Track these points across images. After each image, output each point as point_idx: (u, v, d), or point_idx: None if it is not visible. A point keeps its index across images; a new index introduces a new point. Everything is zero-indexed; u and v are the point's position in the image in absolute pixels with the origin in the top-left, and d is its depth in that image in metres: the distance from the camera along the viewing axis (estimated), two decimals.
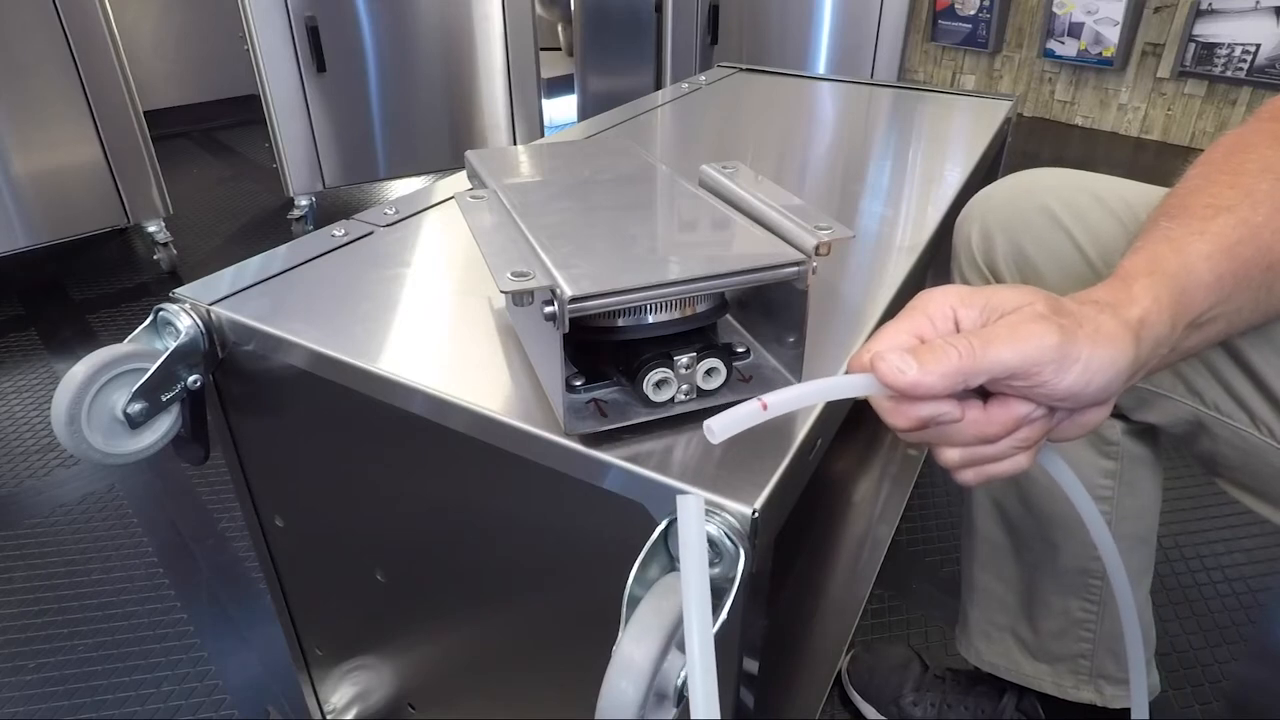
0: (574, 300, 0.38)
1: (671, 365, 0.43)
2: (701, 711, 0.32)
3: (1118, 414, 0.64)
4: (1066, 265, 0.60)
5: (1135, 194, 0.60)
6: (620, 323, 0.43)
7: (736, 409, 0.35)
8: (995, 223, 0.65)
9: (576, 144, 0.65)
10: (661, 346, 0.43)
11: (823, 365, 0.51)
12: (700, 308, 0.45)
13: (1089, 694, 0.78)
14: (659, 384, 0.43)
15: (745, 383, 0.47)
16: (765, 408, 0.35)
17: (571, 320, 0.39)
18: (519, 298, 0.39)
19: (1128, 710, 0.79)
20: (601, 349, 0.44)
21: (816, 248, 0.42)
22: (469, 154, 0.59)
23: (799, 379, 0.46)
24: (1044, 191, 0.63)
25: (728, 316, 0.51)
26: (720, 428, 0.34)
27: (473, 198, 0.50)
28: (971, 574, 0.82)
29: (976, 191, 0.69)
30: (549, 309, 0.38)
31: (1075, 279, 0.59)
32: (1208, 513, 1.20)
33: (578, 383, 0.45)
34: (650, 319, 0.43)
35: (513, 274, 0.39)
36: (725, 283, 0.42)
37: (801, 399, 0.36)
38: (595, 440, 0.43)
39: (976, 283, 0.66)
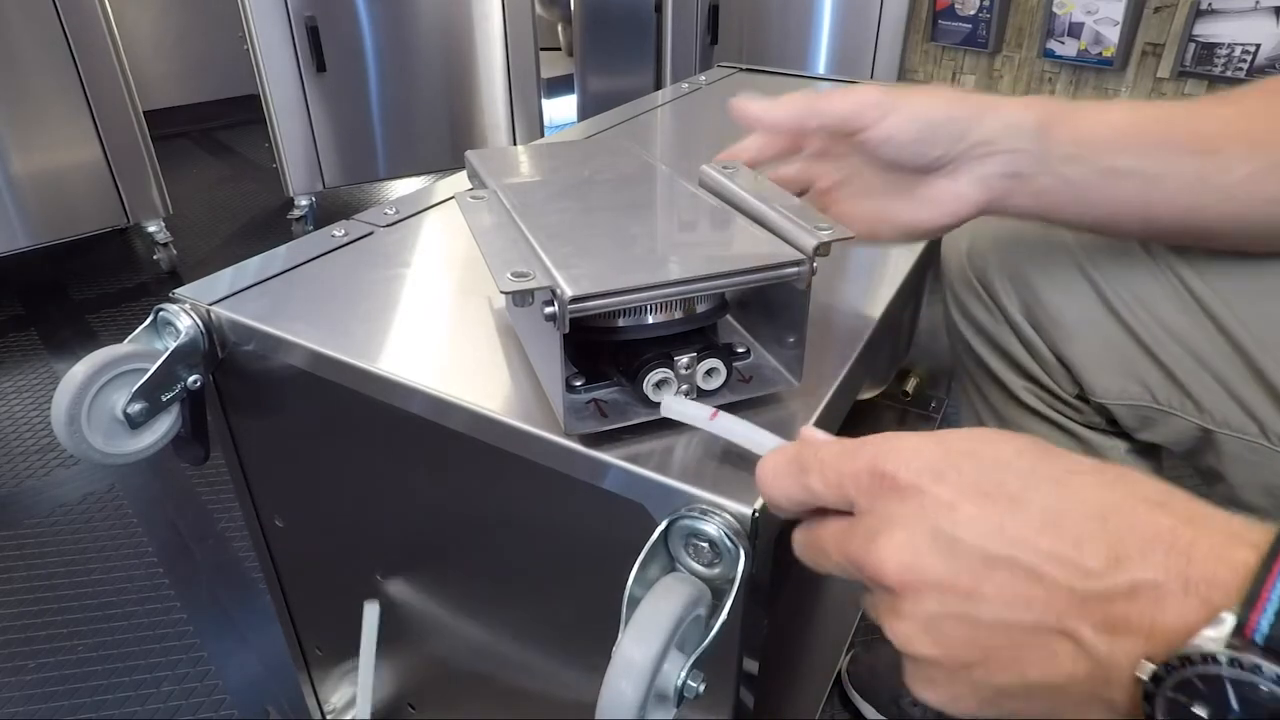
0: (574, 300, 0.38)
1: (672, 365, 0.43)
2: None
3: (1121, 434, 0.63)
4: (1067, 286, 0.57)
5: None
6: (620, 323, 0.43)
7: (693, 404, 0.41)
8: (990, 235, 0.62)
9: (576, 144, 0.65)
10: (662, 347, 0.43)
11: (824, 365, 0.51)
12: (700, 308, 0.45)
13: None
14: (659, 384, 0.43)
15: (745, 383, 0.47)
16: (713, 418, 0.39)
17: (571, 320, 0.39)
18: (519, 298, 0.39)
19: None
20: (601, 349, 0.44)
21: (817, 248, 0.42)
22: (469, 154, 0.59)
23: (799, 379, 0.46)
24: None
25: (728, 317, 0.51)
26: (671, 403, 0.41)
27: (473, 198, 0.50)
28: None
29: None
30: (549, 309, 0.38)
31: (1076, 298, 0.57)
32: None
33: (577, 383, 0.45)
34: (650, 319, 0.43)
35: (512, 274, 0.39)
36: (726, 283, 0.42)
37: (743, 436, 0.39)
38: (595, 440, 0.43)
39: (972, 301, 0.64)
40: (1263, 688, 0.22)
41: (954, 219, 0.47)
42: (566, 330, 0.39)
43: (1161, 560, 0.24)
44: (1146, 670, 0.23)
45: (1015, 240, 0.60)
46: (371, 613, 0.68)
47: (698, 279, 0.41)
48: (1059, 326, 0.58)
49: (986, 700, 0.27)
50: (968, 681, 0.26)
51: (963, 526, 0.26)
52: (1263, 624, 0.22)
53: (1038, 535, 0.25)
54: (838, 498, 0.30)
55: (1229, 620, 0.22)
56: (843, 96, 0.44)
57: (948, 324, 0.69)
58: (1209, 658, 0.22)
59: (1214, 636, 0.22)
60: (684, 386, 0.44)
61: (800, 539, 0.34)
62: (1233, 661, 0.22)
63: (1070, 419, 0.63)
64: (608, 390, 0.46)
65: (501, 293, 0.38)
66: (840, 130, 0.44)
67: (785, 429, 0.45)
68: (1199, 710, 0.22)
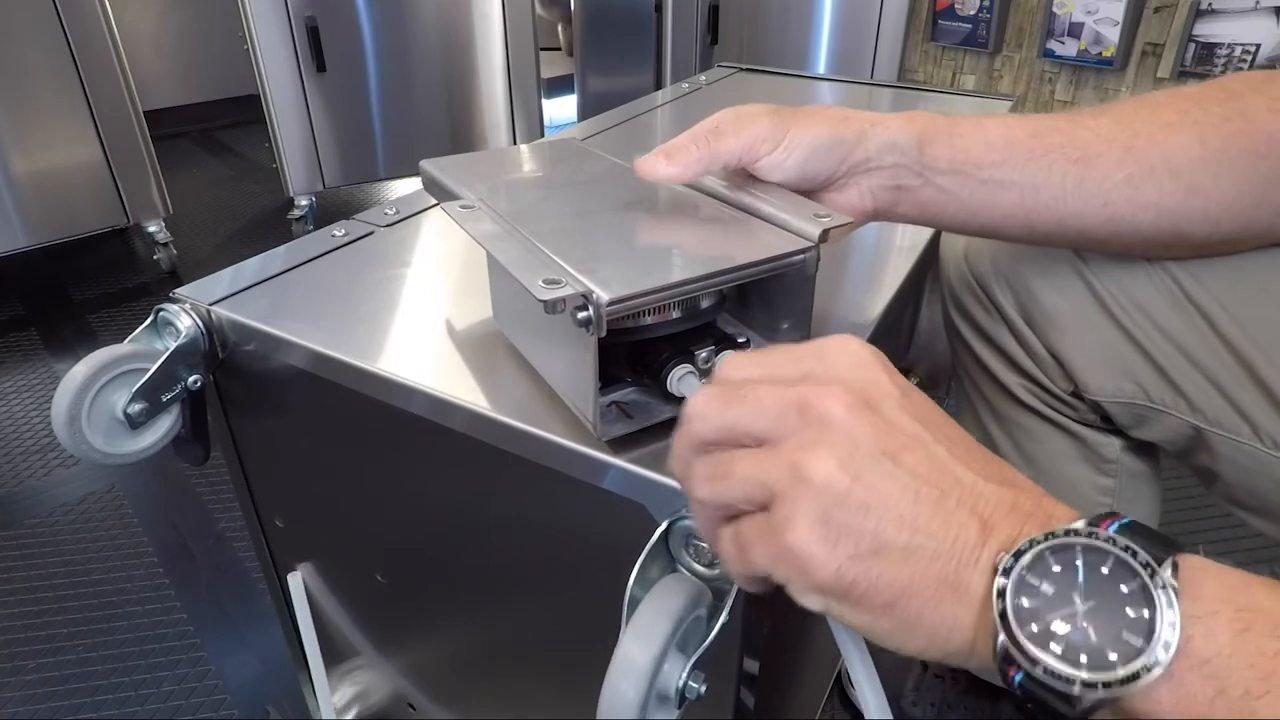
0: (611, 303, 0.37)
1: (693, 360, 0.43)
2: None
3: (1116, 431, 0.63)
4: (1062, 284, 0.58)
5: None
6: (639, 323, 0.43)
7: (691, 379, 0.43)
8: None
9: (533, 147, 0.63)
10: (677, 344, 0.43)
11: None
12: (706, 303, 0.45)
13: None
14: (683, 380, 0.43)
15: None
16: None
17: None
18: (552, 305, 0.38)
19: None
20: (613, 352, 0.44)
21: (822, 234, 0.43)
22: (424, 164, 0.57)
23: None
24: None
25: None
26: (682, 377, 0.43)
27: (463, 208, 0.49)
28: None
29: None
30: (583, 314, 0.38)
31: (1071, 296, 0.57)
32: (1208, 511, 1.20)
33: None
34: (666, 317, 0.43)
35: (544, 281, 0.38)
36: (744, 274, 0.42)
37: None
38: (595, 441, 0.43)
39: (968, 298, 0.65)
40: (1110, 559, 0.26)
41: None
42: (603, 334, 0.39)
43: (1038, 500, 0.29)
44: (1008, 553, 0.26)
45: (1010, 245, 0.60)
46: (296, 582, 0.69)
47: (721, 273, 0.41)
48: (1054, 324, 0.58)
49: (863, 552, 0.28)
50: (858, 526, 0.28)
51: (900, 396, 0.31)
52: (1113, 528, 0.26)
53: (959, 440, 0.30)
54: (794, 359, 0.32)
55: (1083, 521, 0.27)
56: (736, 135, 0.46)
57: (945, 322, 0.70)
58: (1070, 531, 0.26)
59: (1073, 524, 0.27)
60: (704, 381, 0.44)
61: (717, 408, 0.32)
62: (1090, 534, 0.26)
63: (1065, 416, 0.63)
64: (624, 391, 0.46)
65: (538, 301, 0.37)
66: (736, 165, 0.47)
67: None
68: (1046, 587, 0.26)
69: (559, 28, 3.34)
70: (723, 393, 0.32)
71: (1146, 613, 0.24)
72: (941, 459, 0.29)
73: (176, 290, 0.58)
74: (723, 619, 0.38)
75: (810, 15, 2.16)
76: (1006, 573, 0.26)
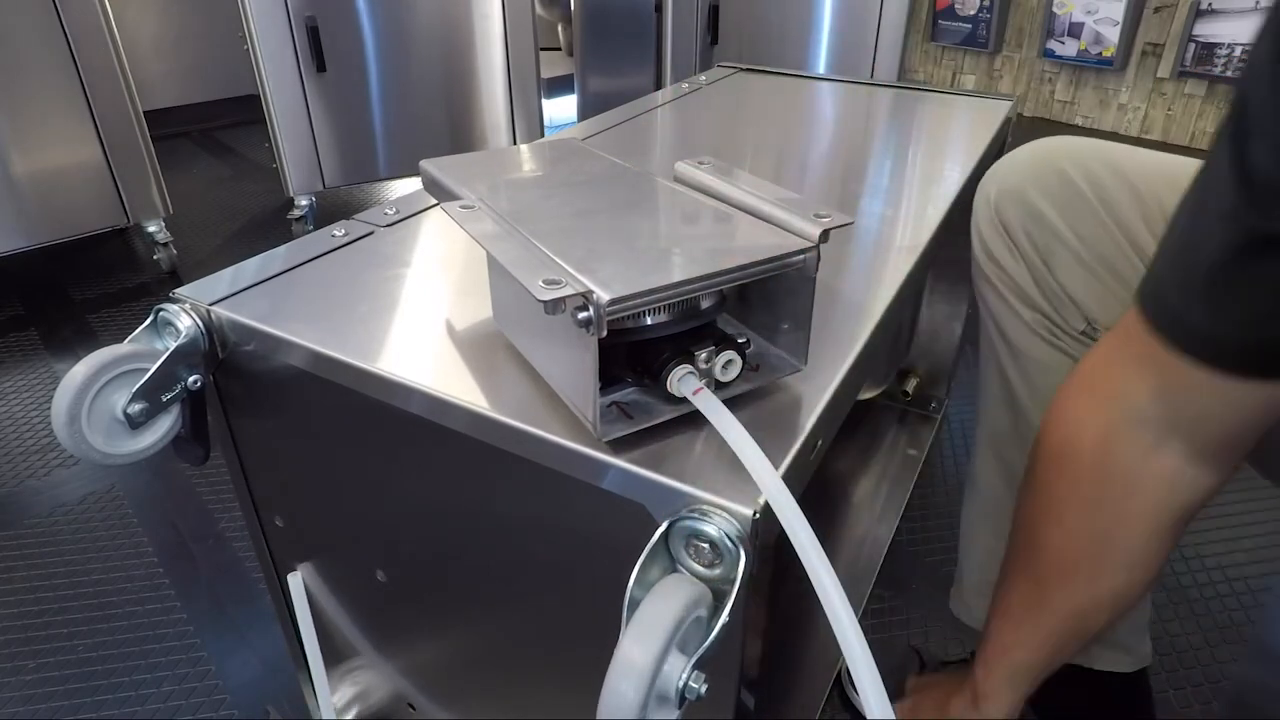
0: (612, 304, 0.37)
1: (693, 361, 0.43)
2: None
3: None
4: (1083, 225, 0.64)
5: (1149, 162, 0.65)
6: (639, 324, 0.43)
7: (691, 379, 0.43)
8: (1014, 184, 0.69)
9: (533, 148, 0.63)
10: (677, 344, 0.43)
11: (827, 360, 0.51)
12: (706, 303, 0.45)
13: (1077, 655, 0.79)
14: (683, 380, 0.43)
15: (755, 371, 0.47)
16: (696, 393, 0.43)
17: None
18: (552, 306, 0.38)
19: (1112, 674, 0.81)
20: (613, 352, 0.44)
21: (823, 233, 0.43)
22: (424, 164, 0.57)
23: (804, 363, 0.48)
24: (1062, 156, 0.68)
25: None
26: (682, 377, 0.43)
27: (463, 208, 0.49)
28: (972, 530, 0.82)
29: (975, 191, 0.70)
30: (583, 315, 0.38)
31: (1092, 238, 0.64)
32: (1208, 512, 1.20)
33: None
34: (666, 318, 0.43)
35: (544, 282, 0.38)
36: (746, 274, 0.42)
37: (713, 414, 0.42)
38: (595, 441, 0.43)
39: (994, 240, 0.70)
40: None
41: None
42: (604, 334, 0.39)
43: None
44: None
45: (1039, 187, 0.67)
46: (296, 582, 0.70)
47: (721, 273, 0.41)
48: (1075, 263, 0.65)
49: None
50: None
51: None
52: None
53: None
54: None
55: None
56: None
57: (974, 270, 0.75)
58: None
59: None
60: (703, 381, 0.44)
61: None
62: None
63: (1076, 353, 0.69)
64: (625, 392, 0.46)
65: (538, 301, 0.37)
66: None
67: (786, 428, 0.45)
68: None
69: (559, 28, 3.34)
70: None
71: None
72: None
73: (176, 290, 0.58)
74: (723, 619, 0.38)
75: (810, 15, 2.16)
76: None
